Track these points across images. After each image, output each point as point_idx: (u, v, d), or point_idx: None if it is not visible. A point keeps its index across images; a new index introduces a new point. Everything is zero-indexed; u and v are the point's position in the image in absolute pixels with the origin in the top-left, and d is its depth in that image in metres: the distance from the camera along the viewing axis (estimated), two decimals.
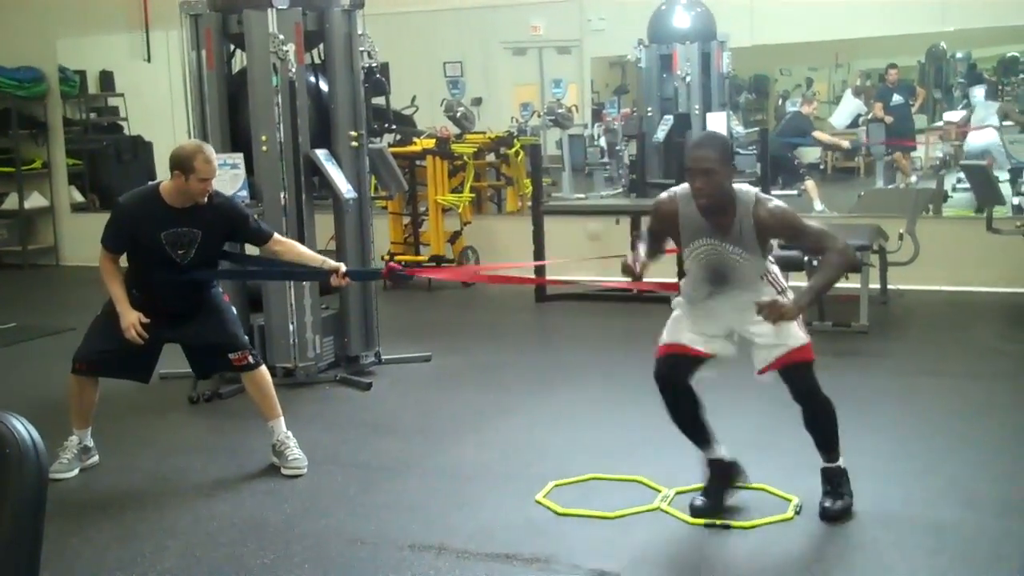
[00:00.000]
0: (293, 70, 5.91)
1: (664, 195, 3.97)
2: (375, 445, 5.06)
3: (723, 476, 4.08)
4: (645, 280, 4.04)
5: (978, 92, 9.22)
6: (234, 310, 4.94)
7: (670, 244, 4.06)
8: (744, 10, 9.31)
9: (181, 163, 4.43)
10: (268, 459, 4.73)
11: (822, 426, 3.97)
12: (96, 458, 4.80)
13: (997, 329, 7.07)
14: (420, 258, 9.23)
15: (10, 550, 1.86)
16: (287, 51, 5.86)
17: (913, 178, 9.41)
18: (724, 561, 3.66)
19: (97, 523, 4.14)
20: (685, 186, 3.85)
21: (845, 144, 10.22)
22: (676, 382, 3.98)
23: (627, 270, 3.94)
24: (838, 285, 7.23)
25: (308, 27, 6.09)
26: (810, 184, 9.69)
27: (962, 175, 8.85)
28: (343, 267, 4.75)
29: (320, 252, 6.32)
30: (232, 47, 6.31)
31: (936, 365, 6.24)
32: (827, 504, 3.94)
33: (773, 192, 9.28)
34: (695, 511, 4.00)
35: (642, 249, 4.02)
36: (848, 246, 3.88)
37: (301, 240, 6.00)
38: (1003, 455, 4.62)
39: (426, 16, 10.21)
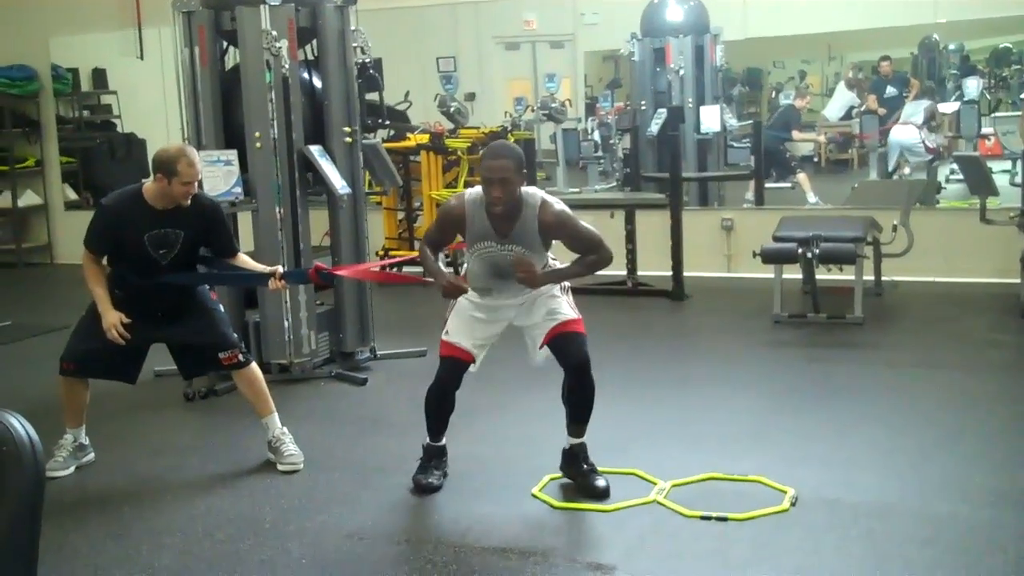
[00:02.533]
0: (286, 66, 5.90)
1: (453, 200, 4.23)
2: (371, 440, 5.07)
3: (442, 455, 4.41)
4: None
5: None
6: (222, 308, 4.92)
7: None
8: (737, 3, 9.32)
9: (164, 166, 4.42)
10: (264, 455, 4.73)
11: (588, 400, 4.23)
12: (92, 456, 4.80)
13: (991, 320, 7.08)
14: (414, 253, 9.21)
15: (8, 547, 1.86)
16: (280, 47, 5.85)
17: (907, 170, 9.43)
18: (720, 553, 3.66)
19: (94, 520, 4.14)
20: (472, 191, 4.12)
21: (821, 138, 10.28)
22: (452, 385, 4.26)
23: (456, 290, 4.16)
24: (832, 277, 7.33)
25: (301, 23, 6.08)
26: (803, 177, 9.71)
27: (955, 166, 8.89)
28: (280, 269, 4.76)
29: (315, 248, 6.37)
30: (225, 44, 6.29)
31: (930, 356, 6.25)
32: (600, 483, 4.20)
33: (767, 185, 9.35)
34: (429, 488, 4.29)
35: (439, 264, 4.28)
36: (610, 255, 4.20)
37: (296, 237, 6.03)
38: (997, 446, 4.64)
39: (419, 11, 10.21)
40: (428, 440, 4.38)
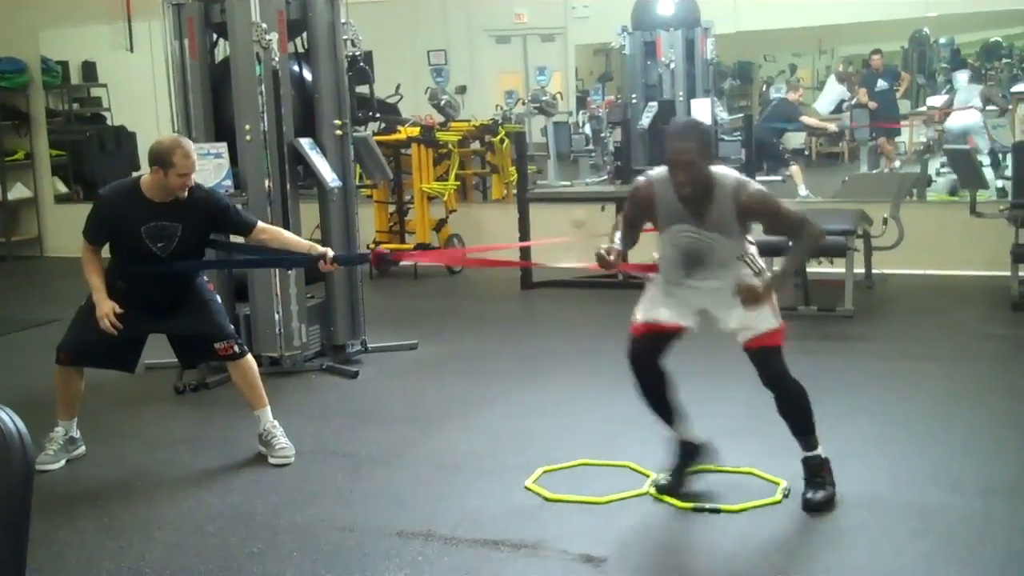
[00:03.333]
0: (276, 59, 5.89)
1: (641, 179, 3.99)
2: (362, 434, 5.06)
3: (689, 456, 4.14)
4: (625, 263, 4.05)
5: (961, 77, 9.26)
6: (219, 299, 4.93)
7: (648, 225, 4.06)
8: None
9: (160, 158, 4.41)
10: (255, 448, 4.72)
11: (793, 411, 3.97)
12: (82, 449, 4.79)
13: (981, 313, 7.10)
14: (405, 246, 9.22)
15: None
16: (270, 40, 5.83)
17: (897, 163, 9.43)
18: (712, 545, 3.67)
19: (84, 514, 4.13)
20: (662, 170, 3.86)
21: (832, 127, 10.23)
22: (650, 362, 4.03)
23: (603, 261, 3.90)
24: (822, 270, 7.33)
25: (291, 15, 6.07)
26: (795, 170, 9.71)
27: (945, 159, 8.89)
28: (330, 252, 4.73)
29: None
30: (215, 36, 6.28)
31: (920, 349, 6.26)
32: (808, 495, 3.93)
33: (758, 178, 9.32)
34: (659, 488, 4.06)
35: (618, 238, 3.99)
36: (821, 231, 3.92)
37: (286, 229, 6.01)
38: (987, 438, 4.65)
39: (410, 4, 10.19)
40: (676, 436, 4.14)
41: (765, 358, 3.91)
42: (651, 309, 4.03)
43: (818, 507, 3.90)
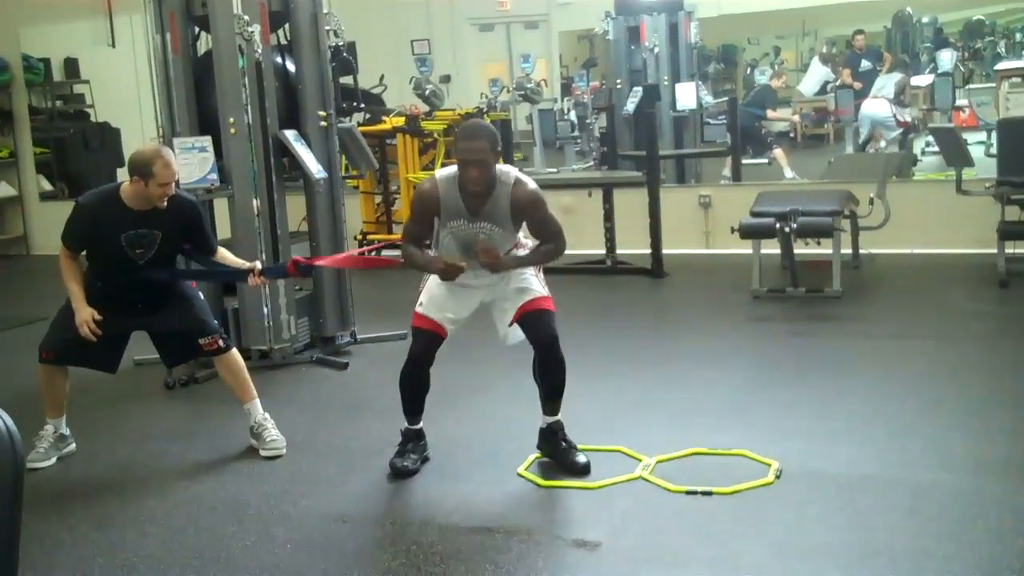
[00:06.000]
0: (259, 51, 5.86)
1: (426, 184, 4.19)
2: (353, 424, 5.06)
3: (419, 439, 4.37)
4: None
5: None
6: (201, 295, 4.90)
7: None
8: None
9: (140, 168, 4.39)
10: (246, 442, 4.72)
11: (557, 375, 4.23)
12: (73, 446, 4.77)
13: (968, 291, 7.12)
14: (393, 236, 9.20)
15: None
16: (252, 32, 5.81)
17: (882, 143, 9.46)
18: (706, 527, 3.68)
19: (76, 511, 4.12)
20: (444, 170, 4.12)
21: (795, 118, 10.32)
22: (427, 361, 4.23)
23: (453, 271, 4.05)
24: (810, 251, 7.35)
25: (273, 7, 6.04)
26: (779, 152, 9.74)
27: (931, 138, 8.92)
28: (259, 265, 4.77)
29: (292, 233, 6.34)
30: (197, 29, 6.25)
31: (909, 328, 6.28)
32: (580, 459, 4.21)
33: (744, 161, 9.37)
34: (400, 472, 4.25)
35: (421, 251, 4.21)
36: (565, 247, 4.25)
37: (272, 222, 6.00)
38: (977, 415, 4.66)
39: None
40: (405, 424, 4.36)
41: (542, 318, 4.17)
42: (435, 306, 4.23)
43: (587, 469, 4.17)
